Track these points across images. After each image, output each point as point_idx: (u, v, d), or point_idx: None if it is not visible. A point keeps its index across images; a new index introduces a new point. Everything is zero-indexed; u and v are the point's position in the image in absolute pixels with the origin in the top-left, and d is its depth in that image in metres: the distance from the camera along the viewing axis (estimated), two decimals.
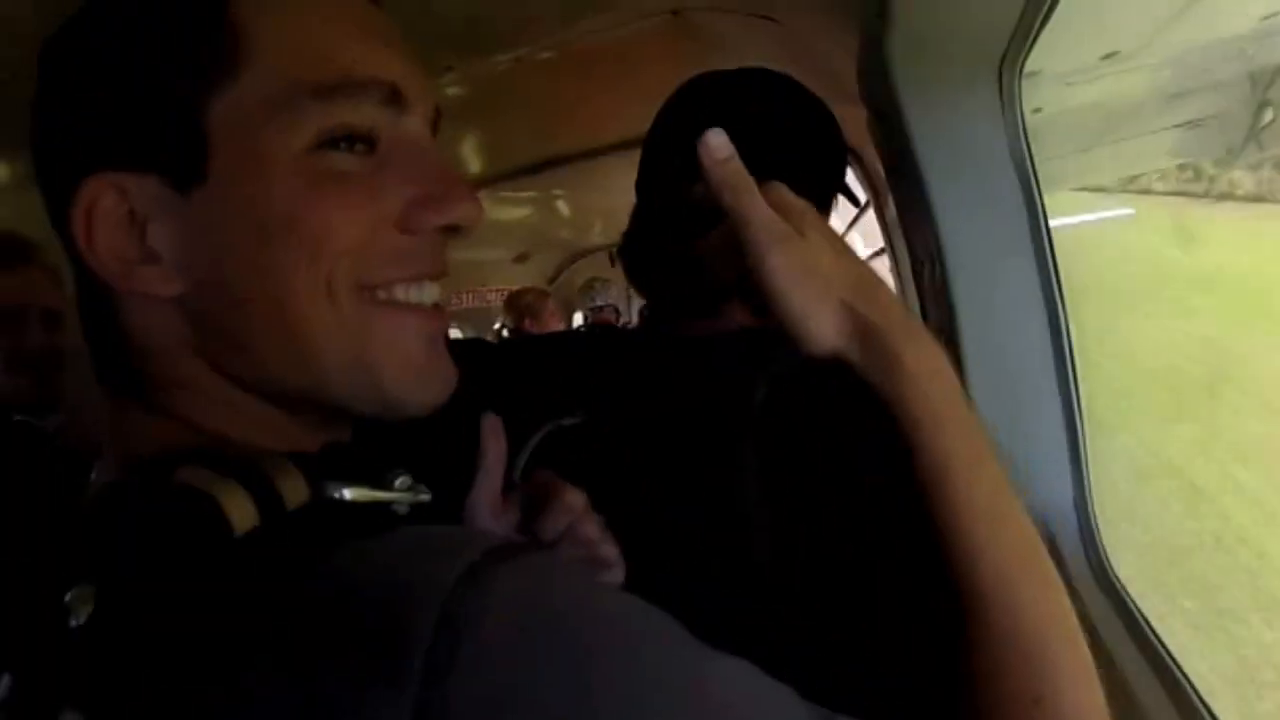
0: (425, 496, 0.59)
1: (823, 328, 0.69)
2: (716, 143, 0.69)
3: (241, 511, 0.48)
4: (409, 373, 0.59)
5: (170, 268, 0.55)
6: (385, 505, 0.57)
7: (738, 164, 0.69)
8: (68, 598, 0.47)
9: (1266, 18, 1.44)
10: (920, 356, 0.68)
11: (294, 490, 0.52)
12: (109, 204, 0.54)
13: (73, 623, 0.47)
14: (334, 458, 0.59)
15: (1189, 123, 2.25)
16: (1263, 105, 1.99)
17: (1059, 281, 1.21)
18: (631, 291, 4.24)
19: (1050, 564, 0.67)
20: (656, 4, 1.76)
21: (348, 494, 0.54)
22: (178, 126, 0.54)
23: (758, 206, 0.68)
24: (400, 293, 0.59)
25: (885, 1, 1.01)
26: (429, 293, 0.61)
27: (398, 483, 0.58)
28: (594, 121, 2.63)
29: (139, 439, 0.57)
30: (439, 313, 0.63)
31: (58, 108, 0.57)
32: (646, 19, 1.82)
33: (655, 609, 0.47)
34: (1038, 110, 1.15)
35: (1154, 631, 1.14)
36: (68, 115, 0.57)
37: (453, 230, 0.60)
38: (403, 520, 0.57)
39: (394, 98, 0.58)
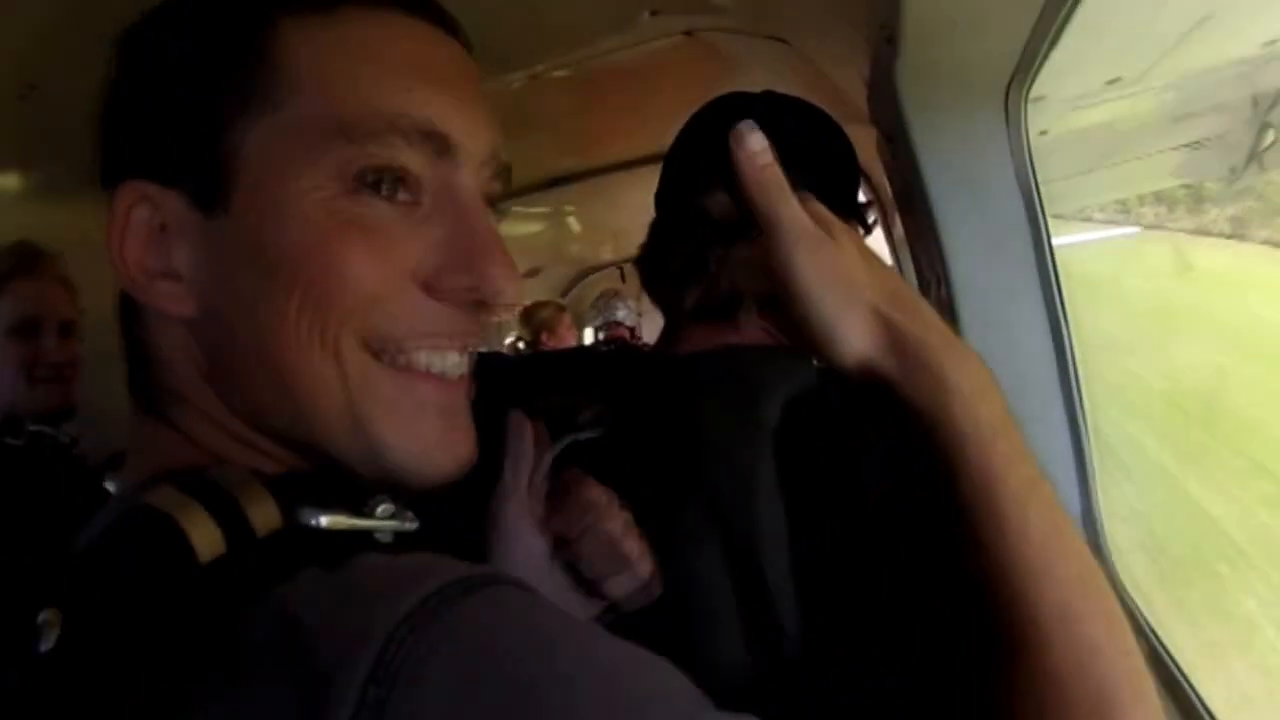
0: (411, 524, 0.55)
1: (855, 335, 0.64)
2: (752, 139, 0.65)
3: (206, 538, 0.46)
4: (414, 447, 0.56)
5: (187, 288, 0.54)
6: (366, 533, 0.53)
7: (772, 163, 0.65)
8: (39, 619, 0.45)
9: (1270, 42, 1.46)
10: (965, 373, 0.63)
11: (265, 517, 0.49)
12: (143, 213, 0.54)
13: (41, 647, 0.44)
14: (319, 480, 0.55)
15: (1191, 144, 2.27)
16: (1265, 127, 2.00)
17: (1062, 299, 1.23)
18: (642, 306, 4.27)
19: (1114, 599, 0.61)
20: (670, 25, 1.78)
21: (323, 521, 0.50)
22: (207, 148, 0.53)
23: (790, 206, 0.64)
24: (420, 358, 0.55)
25: (896, 28, 1.04)
26: (452, 363, 0.57)
27: (379, 510, 0.53)
28: (607, 139, 2.66)
29: (150, 451, 0.57)
30: (459, 384, 0.59)
31: (114, 107, 0.57)
32: (660, 39, 1.84)
33: (645, 653, 0.43)
34: (1043, 133, 1.17)
35: (1164, 645, 1.16)
36: (120, 116, 0.57)
37: (482, 304, 0.56)
38: (386, 549, 0.53)
39: (442, 147, 0.55)
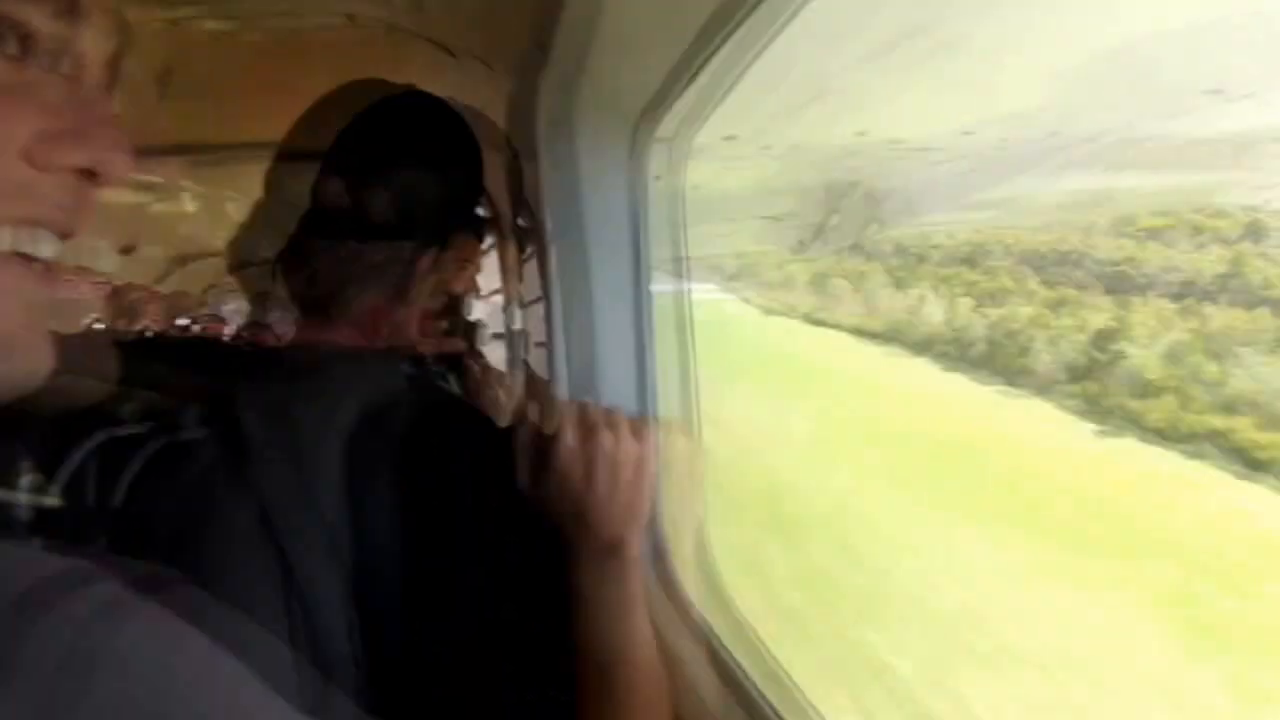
0: (53, 500, 0.51)
1: None
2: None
3: None
4: None
5: None
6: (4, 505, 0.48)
7: None
8: None
9: (861, 133, 1.69)
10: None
11: None
12: None
13: None
14: None
15: (773, 216, 2.62)
16: (833, 211, 2.33)
17: (652, 334, 1.32)
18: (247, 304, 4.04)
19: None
20: (333, 5, 1.73)
21: None
22: None
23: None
24: (7, 238, 0.49)
25: (549, 36, 1.08)
26: (45, 246, 0.51)
27: (23, 481, 0.50)
28: (244, 116, 2.49)
29: None
30: (50, 276, 0.52)
31: None
32: (321, 17, 1.78)
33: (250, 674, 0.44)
34: (657, 178, 1.26)
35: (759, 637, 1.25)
36: None
37: (90, 177, 0.51)
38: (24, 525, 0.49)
39: (72, 9, 0.49)
